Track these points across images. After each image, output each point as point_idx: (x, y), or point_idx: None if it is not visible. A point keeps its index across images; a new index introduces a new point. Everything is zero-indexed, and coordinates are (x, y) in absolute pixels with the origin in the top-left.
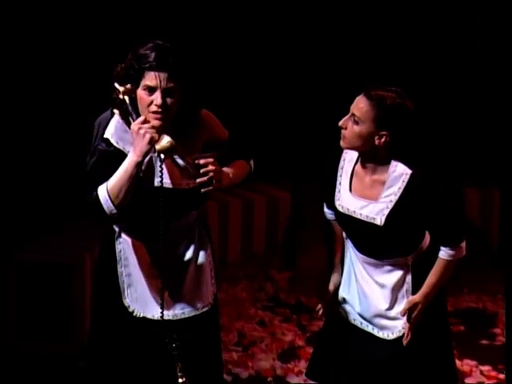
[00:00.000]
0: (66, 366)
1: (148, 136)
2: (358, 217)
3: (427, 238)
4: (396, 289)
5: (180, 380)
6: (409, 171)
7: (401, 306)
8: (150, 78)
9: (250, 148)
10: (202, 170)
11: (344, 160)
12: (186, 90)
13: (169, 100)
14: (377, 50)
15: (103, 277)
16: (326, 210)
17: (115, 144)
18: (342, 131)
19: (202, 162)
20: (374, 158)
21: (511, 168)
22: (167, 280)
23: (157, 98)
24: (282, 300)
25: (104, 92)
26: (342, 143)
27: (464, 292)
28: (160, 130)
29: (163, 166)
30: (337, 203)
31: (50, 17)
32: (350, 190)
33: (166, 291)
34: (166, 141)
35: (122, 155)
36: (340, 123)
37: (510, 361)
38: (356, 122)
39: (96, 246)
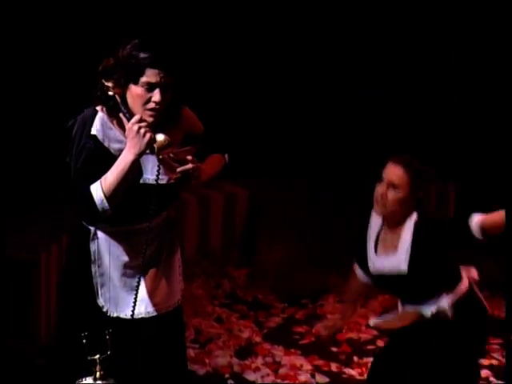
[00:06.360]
0: (25, 364)
1: (148, 135)
2: (387, 272)
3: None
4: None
5: (98, 373)
6: (415, 218)
7: None
8: (152, 75)
9: (224, 142)
10: (178, 169)
11: (370, 226)
12: (178, 86)
13: (165, 96)
14: (354, 47)
15: (76, 277)
16: (357, 268)
17: (101, 141)
18: (380, 200)
19: (180, 157)
20: (403, 219)
21: (468, 162)
22: (145, 278)
23: (156, 94)
24: (239, 297)
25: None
26: (381, 210)
27: None
28: (153, 127)
29: (160, 165)
30: (369, 264)
31: (28, 16)
32: (376, 251)
33: (140, 289)
34: (163, 139)
35: (107, 153)
36: (379, 194)
37: (509, 361)
38: (394, 188)
39: (52, 244)
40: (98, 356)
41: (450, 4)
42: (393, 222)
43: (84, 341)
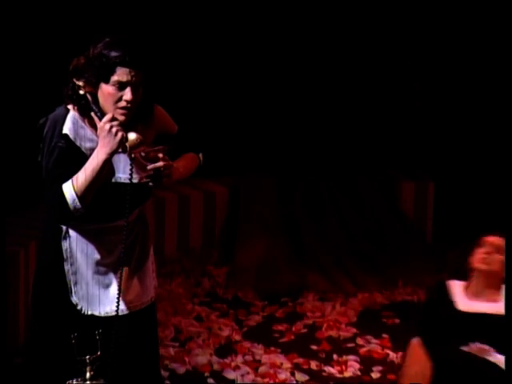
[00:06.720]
0: (3, 363)
1: (120, 134)
2: (484, 310)
3: None
4: None
5: (88, 374)
6: None
7: None
8: (123, 74)
9: (199, 141)
10: (149, 167)
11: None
12: (149, 85)
13: (136, 95)
14: (301, 48)
15: (49, 275)
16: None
17: (73, 140)
18: (486, 259)
19: (151, 156)
20: (499, 279)
21: (446, 162)
22: (117, 275)
23: (127, 93)
24: (218, 295)
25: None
26: (486, 267)
27: (399, 285)
28: (124, 126)
29: (133, 163)
30: (460, 307)
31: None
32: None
33: (113, 287)
34: (134, 138)
35: (78, 152)
36: (484, 253)
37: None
38: (498, 251)
39: (31, 241)
40: (88, 356)
41: (393, 5)
42: (490, 279)
43: (73, 341)
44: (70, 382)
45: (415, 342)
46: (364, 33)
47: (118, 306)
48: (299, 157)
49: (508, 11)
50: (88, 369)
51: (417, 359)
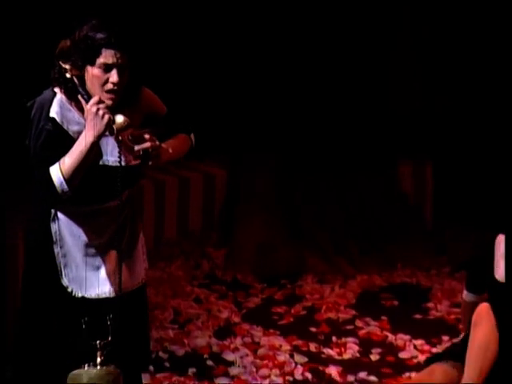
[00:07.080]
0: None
1: (107, 117)
2: None
3: None
4: None
5: (98, 359)
6: None
7: None
8: (108, 56)
9: (190, 122)
10: (136, 148)
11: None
12: (135, 67)
13: (122, 77)
14: (300, 49)
15: (38, 258)
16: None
17: (60, 123)
18: None
19: (139, 137)
20: None
21: (445, 144)
22: (120, 255)
23: (113, 75)
24: (218, 277)
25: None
26: None
27: (398, 267)
28: (111, 108)
29: (121, 146)
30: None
31: None
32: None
33: (103, 269)
34: (122, 120)
35: (65, 135)
36: None
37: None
38: None
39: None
40: (98, 341)
41: (393, 5)
42: None
43: (83, 326)
44: (82, 366)
45: (484, 308)
46: (364, 33)
47: (119, 285)
48: (299, 157)
49: (508, 11)
50: (99, 354)
51: (484, 328)
